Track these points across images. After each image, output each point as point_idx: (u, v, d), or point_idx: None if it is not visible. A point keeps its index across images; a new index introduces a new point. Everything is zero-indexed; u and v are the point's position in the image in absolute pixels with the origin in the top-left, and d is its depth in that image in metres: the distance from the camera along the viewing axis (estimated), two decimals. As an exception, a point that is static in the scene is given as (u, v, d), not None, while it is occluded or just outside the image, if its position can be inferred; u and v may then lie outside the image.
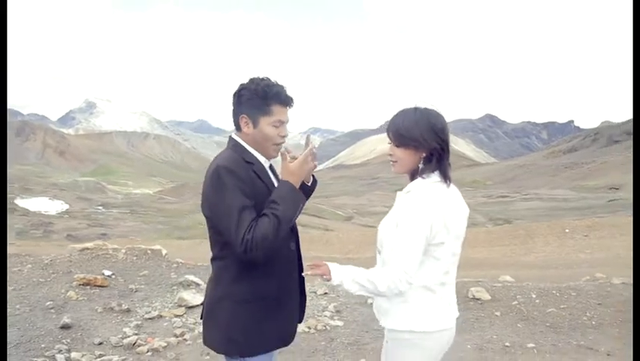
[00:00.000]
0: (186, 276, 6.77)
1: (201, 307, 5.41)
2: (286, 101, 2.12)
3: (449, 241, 2.04)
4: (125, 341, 4.61)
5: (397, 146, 2.07)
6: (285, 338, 2.22)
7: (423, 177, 2.05)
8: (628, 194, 72.30)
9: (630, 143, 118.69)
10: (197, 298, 5.73)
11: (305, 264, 2.11)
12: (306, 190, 2.27)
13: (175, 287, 6.51)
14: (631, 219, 24.16)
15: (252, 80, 2.10)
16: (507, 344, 4.51)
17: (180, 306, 5.60)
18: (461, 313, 4.26)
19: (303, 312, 2.37)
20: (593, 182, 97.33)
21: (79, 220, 79.76)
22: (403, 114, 2.10)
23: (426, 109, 2.09)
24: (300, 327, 4.98)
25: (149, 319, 5.27)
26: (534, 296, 5.76)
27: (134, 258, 8.08)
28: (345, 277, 1.97)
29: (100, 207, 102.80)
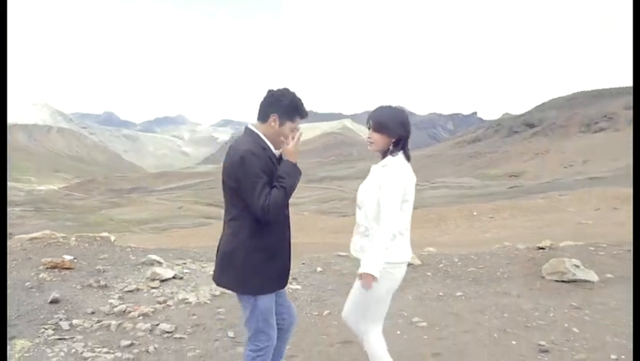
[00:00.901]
0: (149, 256, 7.33)
1: (173, 279, 6.05)
2: (304, 116, 2.96)
3: (410, 199, 2.97)
4: (116, 309, 5.20)
5: (375, 131, 2.95)
6: (282, 282, 3.01)
7: (392, 155, 2.96)
8: (527, 181, 77.50)
9: (529, 133, 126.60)
10: (168, 272, 6.37)
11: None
12: None
13: (139, 266, 7.04)
14: (530, 202, 26.51)
15: (288, 92, 2.89)
16: (440, 294, 5.57)
17: (154, 280, 6.22)
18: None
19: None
20: (495, 170, 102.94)
21: (-22, 220, 75.08)
22: (381, 109, 3.01)
23: (396, 107, 3.02)
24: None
25: (129, 291, 5.84)
26: (456, 260, 6.88)
27: (86, 245, 8.46)
28: (379, 266, 2.80)
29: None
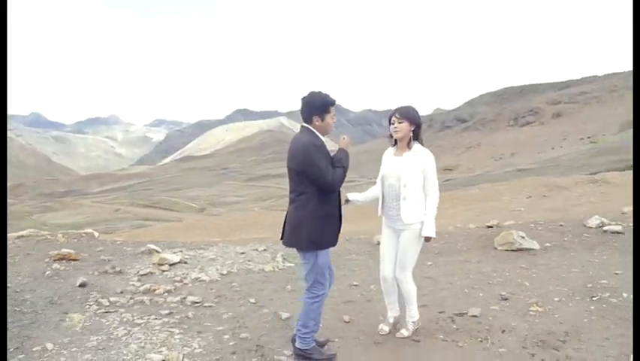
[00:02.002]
0: (147, 245, 8.07)
1: (179, 263, 6.84)
2: (334, 104, 3.93)
3: None
4: (141, 288, 5.98)
5: (400, 121, 4.01)
6: (336, 241, 3.99)
7: (417, 143, 4.05)
8: (460, 174, 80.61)
9: (460, 128, 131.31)
10: (175, 257, 7.18)
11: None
12: None
13: (139, 255, 7.74)
14: (468, 193, 28.25)
15: (314, 93, 3.87)
16: (414, 264, 6.66)
17: (162, 264, 6.99)
18: (374, 250, 6.40)
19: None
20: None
21: None
22: (402, 106, 4.10)
23: (411, 105, 4.11)
24: (267, 268, 6.76)
25: (144, 275, 6.58)
26: (421, 239, 8.02)
27: (75, 240, 9.00)
28: (433, 226, 4.05)
29: None
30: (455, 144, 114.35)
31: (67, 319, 4.98)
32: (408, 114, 4.08)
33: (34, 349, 4.17)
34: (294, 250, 4.01)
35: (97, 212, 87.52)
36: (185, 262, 7.21)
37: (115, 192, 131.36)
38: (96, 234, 9.97)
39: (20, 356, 4.02)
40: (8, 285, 5.87)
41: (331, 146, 3.97)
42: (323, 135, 3.90)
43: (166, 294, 5.83)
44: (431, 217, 4.10)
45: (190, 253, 7.77)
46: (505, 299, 5.21)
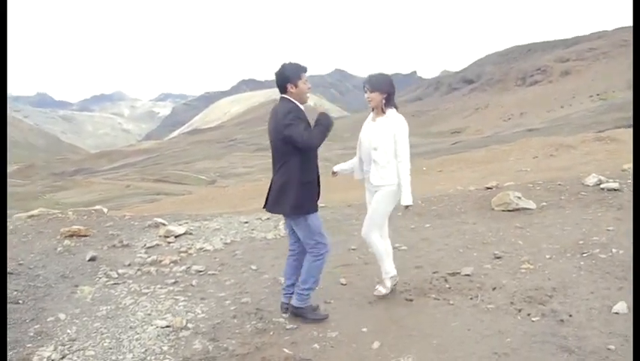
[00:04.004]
0: (154, 219, 8.30)
1: (185, 235, 7.01)
2: (306, 69, 4.07)
3: None
4: (148, 260, 6.20)
5: (371, 92, 4.16)
6: (317, 207, 4.15)
7: (390, 109, 4.15)
8: (469, 136, 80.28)
9: (468, 89, 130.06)
10: (180, 229, 7.40)
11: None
12: None
13: (146, 228, 7.97)
14: (474, 154, 28.23)
15: (284, 65, 4.02)
16: (412, 226, 6.84)
17: (168, 236, 7.21)
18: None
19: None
20: (437, 127, 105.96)
21: None
22: (373, 75, 4.28)
23: (383, 73, 4.24)
24: (269, 236, 6.97)
25: (151, 247, 6.81)
26: (420, 202, 8.16)
27: (85, 217, 9.24)
28: (410, 194, 4.16)
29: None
30: (463, 105, 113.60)
31: (78, 291, 5.21)
32: (376, 85, 4.22)
33: (48, 319, 4.42)
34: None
35: (108, 189, 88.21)
36: (191, 233, 7.42)
37: (125, 168, 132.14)
38: (105, 210, 10.19)
39: (36, 327, 4.26)
40: (21, 262, 6.12)
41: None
42: (301, 103, 4.05)
43: (172, 264, 6.05)
44: (406, 186, 4.21)
45: (195, 225, 7.98)
46: (498, 258, 5.37)
